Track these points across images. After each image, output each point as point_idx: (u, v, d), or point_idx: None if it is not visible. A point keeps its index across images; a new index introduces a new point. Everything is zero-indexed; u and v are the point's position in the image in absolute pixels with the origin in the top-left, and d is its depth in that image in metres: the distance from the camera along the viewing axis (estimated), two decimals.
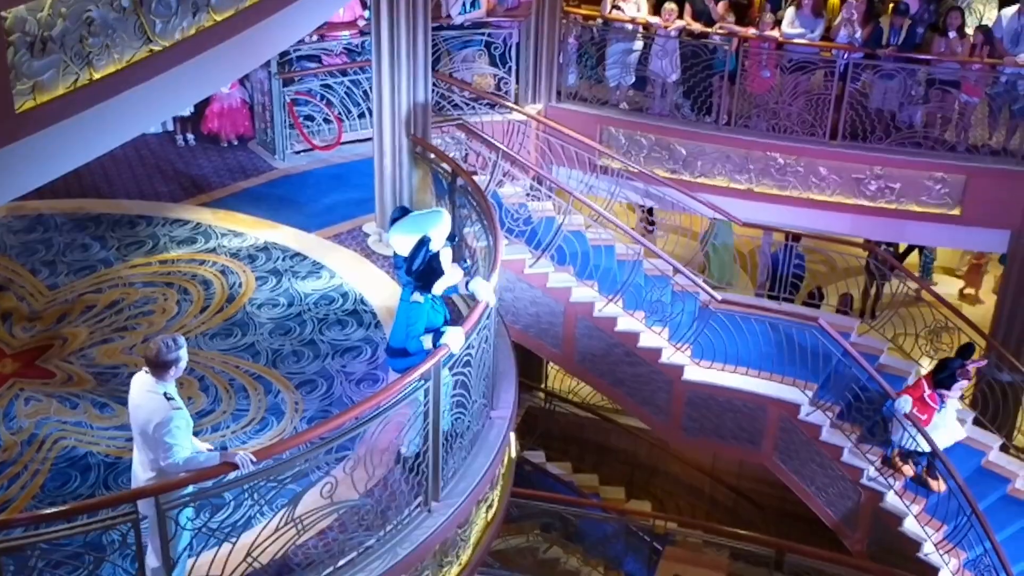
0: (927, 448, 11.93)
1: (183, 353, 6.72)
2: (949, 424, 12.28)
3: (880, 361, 13.46)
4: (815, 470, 12.78)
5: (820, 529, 13.29)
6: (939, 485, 12.17)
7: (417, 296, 8.16)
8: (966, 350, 12.71)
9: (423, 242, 8.20)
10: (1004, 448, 13.41)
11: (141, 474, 6.81)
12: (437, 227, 8.46)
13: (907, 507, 12.16)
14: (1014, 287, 14.32)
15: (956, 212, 14.11)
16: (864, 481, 12.34)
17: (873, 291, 16.97)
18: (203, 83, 7.30)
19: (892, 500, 12.23)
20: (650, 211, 16.70)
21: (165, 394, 6.63)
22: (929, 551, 11.98)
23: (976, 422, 13.46)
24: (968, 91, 14.19)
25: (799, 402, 12.68)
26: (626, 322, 13.08)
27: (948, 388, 12.06)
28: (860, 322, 14.36)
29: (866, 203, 14.21)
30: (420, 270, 8.16)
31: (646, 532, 13.66)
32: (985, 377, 13.80)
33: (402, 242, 8.51)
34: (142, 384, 6.76)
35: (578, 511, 13.87)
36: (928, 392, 12.01)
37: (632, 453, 17.07)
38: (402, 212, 9.04)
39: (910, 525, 12.12)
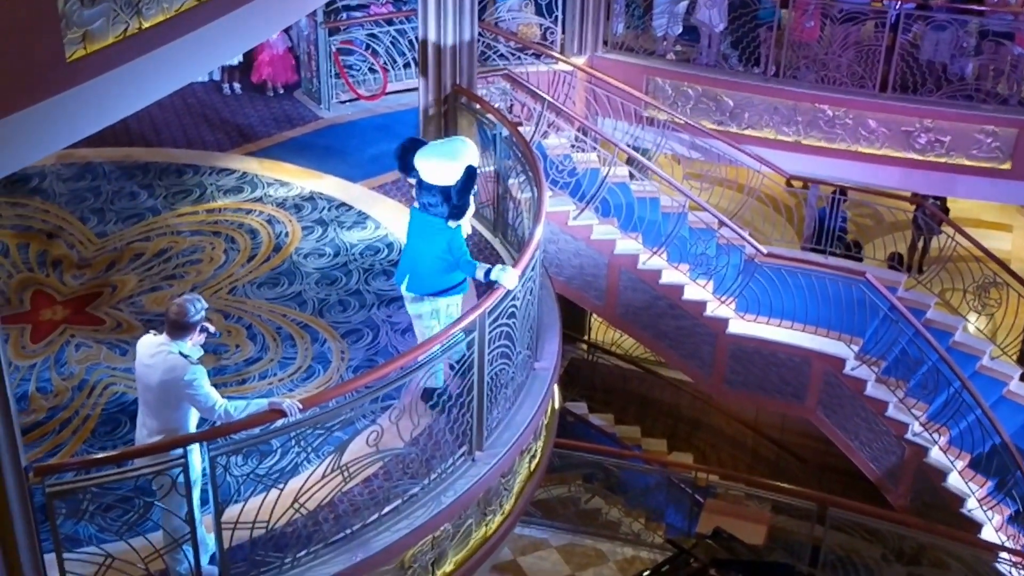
0: None
1: (204, 314, 6.72)
2: None
3: (927, 316, 13.40)
4: (859, 424, 12.77)
5: (862, 483, 13.32)
6: None
7: (453, 223, 8.13)
8: None
9: (472, 171, 8.15)
10: None
11: (147, 440, 6.78)
12: (475, 157, 8.42)
13: (951, 463, 12.13)
14: None
15: (1007, 166, 13.97)
16: (909, 436, 12.32)
17: (920, 245, 16.83)
18: (251, 32, 7.28)
19: (936, 455, 12.20)
20: None
21: (180, 352, 6.64)
22: (972, 507, 11.98)
23: (1023, 378, 13.38)
24: (1022, 43, 13.97)
25: (844, 356, 12.64)
26: (670, 275, 13.06)
27: None
28: (907, 276, 14.27)
29: (915, 156, 14.12)
30: (465, 200, 8.13)
31: (688, 484, 13.68)
32: None
33: (445, 170, 8.19)
34: (153, 344, 6.69)
35: (620, 462, 13.90)
36: None
37: (675, 406, 17.11)
38: (413, 142, 8.66)
39: (954, 481, 12.11)
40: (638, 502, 13.76)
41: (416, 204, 8.45)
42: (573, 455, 13.28)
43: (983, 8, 13.92)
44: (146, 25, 6.00)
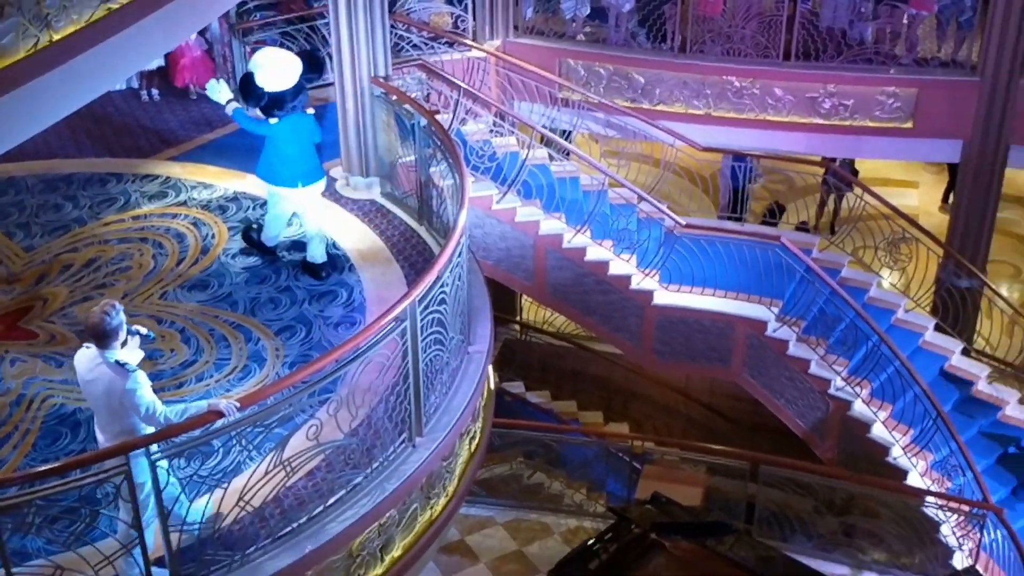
0: None
1: (123, 317, 6.69)
2: None
3: (842, 275, 13.60)
4: (784, 383, 12.95)
5: (791, 440, 13.49)
6: None
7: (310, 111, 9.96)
8: None
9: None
10: (965, 352, 13.60)
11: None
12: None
13: (874, 414, 12.34)
14: (967, 196, 14.44)
15: (909, 125, 14.19)
16: (832, 391, 12.51)
17: (832, 207, 17.09)
18: (164, 38, 7.19)
19: (860, 408, 12.41)
20: None
21: (116, 362, 6.60)
22: (897, 455, 12.20)
23: (937, 328, 13.63)
24: (916, 4, 14.21)
25: (766, 319, 12.80)
26: (595, 251, 13.12)
27: None
28: (820, 238, 14.48)
29: (821, 121, 14.27)
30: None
31: (625, 453, 13.78)
32: (945, 284, 13.96)
33: (288, 72, 9.69)
34: (89, 358, 6.71)
35: (559, 437, 13.96)
36: None
37: (608, 378, 17.19)
38: (245, 77, 9.94)
39: (878, 431, 12.33)
40: (579, 474, 13.83)
41: (276, 118, 9.74)
42: (513, 433, 13.32)
43: None
44: (57, 37, 5.90)
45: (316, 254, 10.06)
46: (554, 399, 17.01)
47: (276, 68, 9.64)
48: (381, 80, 10.88)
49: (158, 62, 13.41)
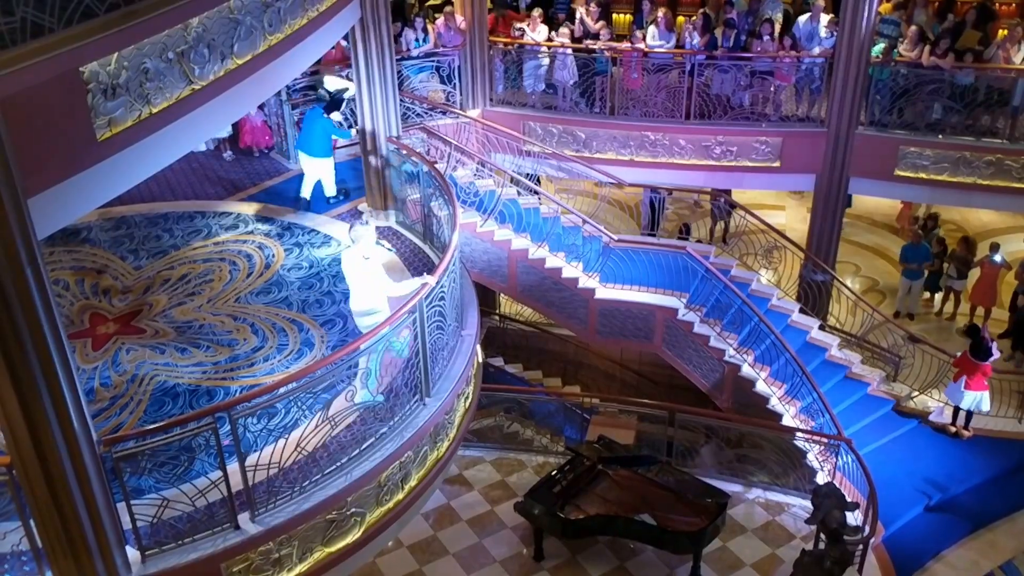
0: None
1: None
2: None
3: (732, 273, 13.63)
4: (692, 353, 12.99)
5: (699, 395, 13.53)
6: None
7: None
8: (973, 330, 13.24)
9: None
10: (821, 327, 13.69)
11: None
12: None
13: (757, 374, 12.40)
14: (820, 212, 14.54)
15: (777, 164, 14.28)
16: (726, 358, 12.56)
17: (723, 225, 17.14)
18: (232, 110, 7.14)
19: (747, 370, 12.47)
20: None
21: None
22: (775, 403, 12.28)
23: (801, 311, 13.71)
24: (780, 78, 14.29)
25: (677, 307, 12.84)
26: (552, 261, 13.13)
27: (990, 355, 12.23)
28: (715, 247, 14.54)
29: (713, 163, 14.33)
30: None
31: (577, 407, 13.79)
32: (805, 279, 14.05)
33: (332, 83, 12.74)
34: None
35: (529, 396, 13.94)
36: (984, 367, 12.33)
37: (564, 353, 17.17)
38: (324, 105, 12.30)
39: (760, 386, 12.39)
40: (544, 423, 13.80)
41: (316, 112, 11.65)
42: (496, 395, 13.29)
43: (751, 55, 14.15)
44: (155, 111, 5.87)
45: (328, 191, 11.74)
46: (525, 369, 16.99)
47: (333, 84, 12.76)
48: (394, 139, 10.85)
49: (227, 130, 13.31)
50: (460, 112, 14.36)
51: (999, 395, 13.04)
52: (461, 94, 14.66)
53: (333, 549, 7.15)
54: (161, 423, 6.73)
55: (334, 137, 11.92)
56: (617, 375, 16.90)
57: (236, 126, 13.45)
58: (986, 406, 12.66)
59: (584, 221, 13.05)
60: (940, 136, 13.57)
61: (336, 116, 12.19)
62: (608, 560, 10.97)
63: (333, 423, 7.18)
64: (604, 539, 11.07)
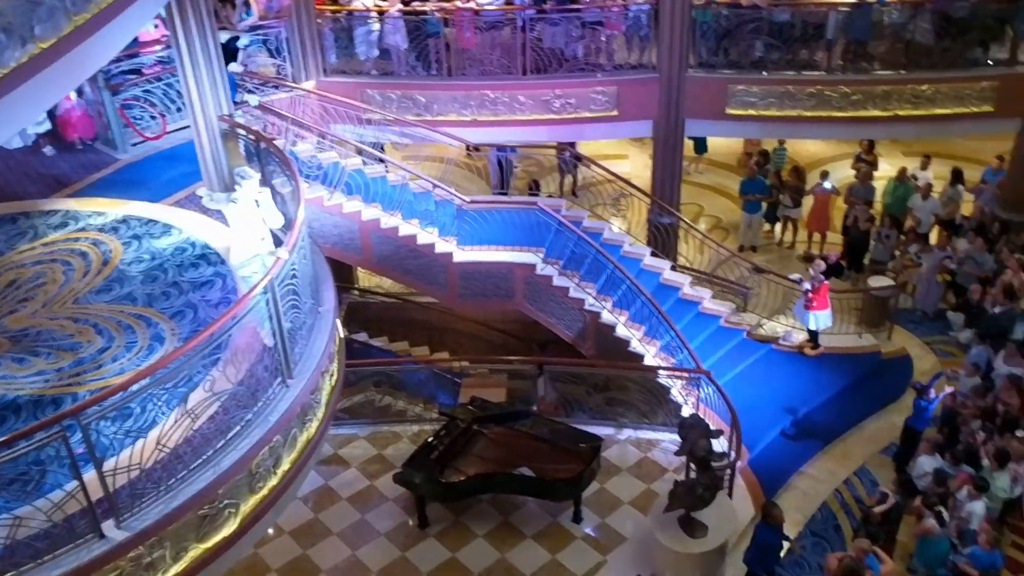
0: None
1: None
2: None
3: (584, 225, 13.91)
4: (553, 306, 13.23)
5: (564, 345, 13.79)
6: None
7: None
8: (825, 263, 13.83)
9: None
10: (673, 268, 14.19)
11: None
12: None
13: (617, 319, 12.76)
14: (661, 158, 14.99)
15: (615, 113, 14.54)
16: (586, 307, 12.86)
17: (571, 179, 17.42)
18: (40, 99, 6.66)
19: (607, 316, 12.81)
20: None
21: None
22: (636, 345, 12.67)
23: (652, 254, 14.15)
24: (610, 27, 14.53)
25: (534, 263, 13.03)
26: (406, 228, 13.06)
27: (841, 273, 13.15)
28: (566, 201, 14.79)
29: (555, 116, 14.46)
30: None
31: (448, 372, 13.84)
32: (653, 223, 14.50)
33: None
34: None
35: (397, 367, 13.88)
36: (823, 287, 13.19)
37: (428, 321, 17.14)
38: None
39: (621, 330, 12.75)
40: (416, 393, 13.81)
41: None
42: (363, 370, 13.15)
43: (580, 6, 14.34)
44: None
45: None
46: (391, 342, 16.90)
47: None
48: (227, 117, 10.46)
49: (46, 124, 12.48)
50: (294, 85, 13.98)
51: (839, 313, 13.92)
52: (293, 66, 14.25)
53: (209, 544, 6.95)
54: (3, 439, 6.34)
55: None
56: (483, 336, 17.02)
57: (54, 118, 12.61)
58: (828, 322, 13.50)
59: (434, 186, 13.02)
60: (764, 73, 14.22)
61: (235, 67, 11.71)
62: (492, 517, 11.15)
63: (193, 416, 6.94)
64: (486, 498, 11.23)
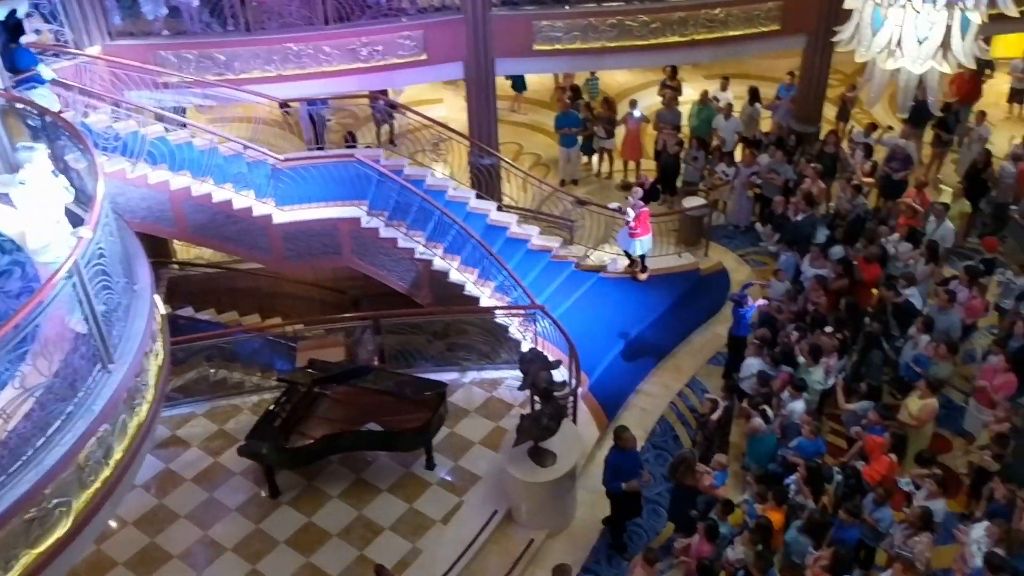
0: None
1: None
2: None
3: (405, 173, 13.84)
4: (384, 259, 13.12)
5: (400, 297, 13.74)
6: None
7: None
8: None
9: None
10: (499, 208, 14.36)
11: None
12: None
13: (449, 264, 12.80)
14: (475, 98, 15.01)
15: (424, 57, 14.41)
16: (417, 256, 12.83)
17: (388, 128, 17.18)
18: None
19: (439, 263, 12.84)
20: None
21: None
22: (471, 289, 12.79)
23: (478, 196, 14.25)
24: None
25: (359, 216, 12.86)
26: (219, 194, 12.57)
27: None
28: (384, 150, 14.59)
29: (363, 65, 14.16)
30: None
31: (282, 338, 13.51)
32: (475, 165, 14.56)
33: None
34: None
35: (229, 339, 13.34)
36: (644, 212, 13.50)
37: (256, 287, 16.62)
38: None
39: (454, 276, 12.83)
40: (251, 362, 13.40)
41: None
42: (193, 346, 12.58)
43: None
44: None
45: None
46: (219, 313, 16.31)
47: None
48: (4, 92, 9.59)
49: None
50: (77, 51, 12.97)
51: (659, 236, 14.52)
52: (73, 31, 13.20)
53: (42, 548, 6.55)
54: None
55: None
56: (316, 297, 16.69)
57: None
58: (648, 246, 14.06)
59: (245, 147, 12.53)
60: (567, 7, 14.41)
61: (30, 37, 10.96)
62: (345, 477, 11.08)
63: (5, 416, 6.46)
64: (337, 458, 11.14)
